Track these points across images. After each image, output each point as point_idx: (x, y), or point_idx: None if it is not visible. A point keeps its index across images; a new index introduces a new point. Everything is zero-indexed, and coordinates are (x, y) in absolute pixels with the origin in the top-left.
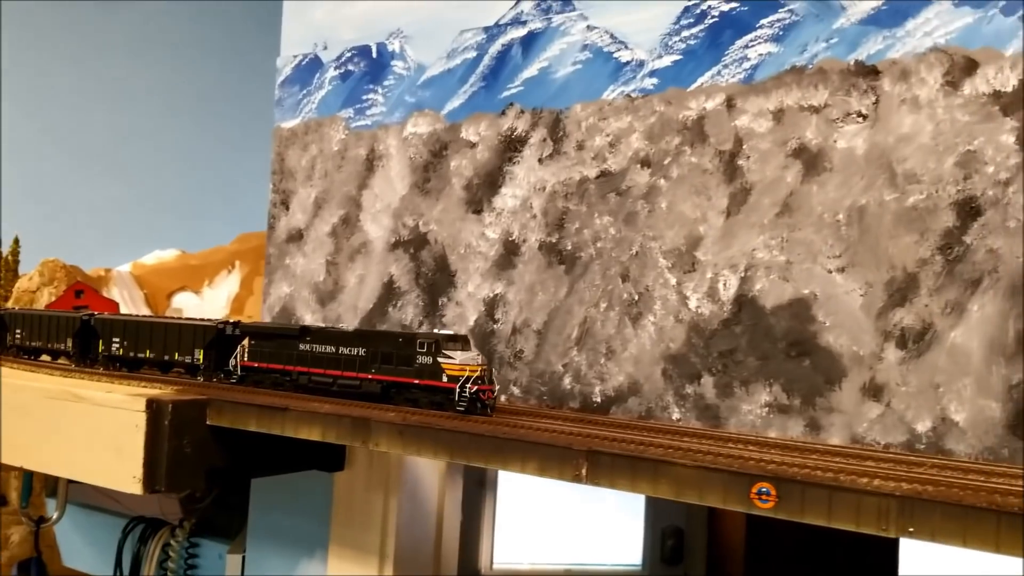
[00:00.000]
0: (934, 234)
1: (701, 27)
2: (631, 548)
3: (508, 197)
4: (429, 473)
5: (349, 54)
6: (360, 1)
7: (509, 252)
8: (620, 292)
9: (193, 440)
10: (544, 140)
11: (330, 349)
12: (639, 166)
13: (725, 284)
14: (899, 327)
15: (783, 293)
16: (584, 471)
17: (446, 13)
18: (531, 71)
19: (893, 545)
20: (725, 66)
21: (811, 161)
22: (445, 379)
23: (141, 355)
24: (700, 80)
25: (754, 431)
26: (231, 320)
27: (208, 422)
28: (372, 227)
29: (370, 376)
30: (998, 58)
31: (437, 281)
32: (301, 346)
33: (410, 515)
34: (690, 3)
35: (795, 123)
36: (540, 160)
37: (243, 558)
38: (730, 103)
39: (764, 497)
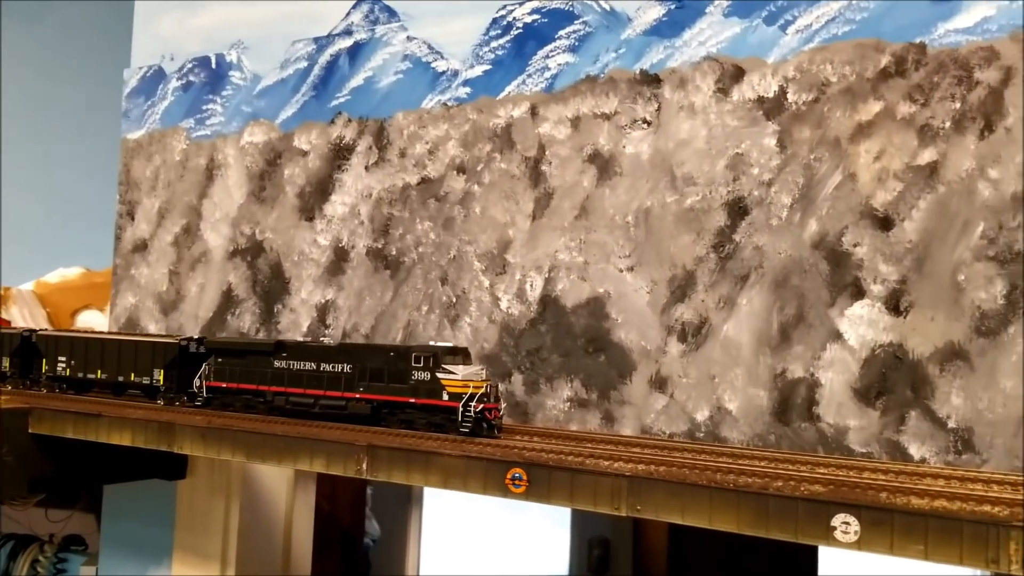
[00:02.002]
0: (709, 233)
1: (507, 38)
2: (558, 559)
3: (338, 204)
4: (276, 480)
5: (190, 65)
6: (205, 13)
7: (339, 258)
8: (440, 295)
9: (15, 448)
10: (370, 148)
11: (310, 366)
12: (455, 172)
13: (532, 285)
14: (680, 322)
15: (581, 292)
16: (365, 465)
17: (283, 24)
18: (357, 80)
19: (813, 551)
20: (529, 75)
21: (604, 166)
22: (446, 397)
23: (91, 376)
24: (507, 89)
25: (558, 424)
26: (195, 336)
27: (31, 430)
28: (212, 236)
29: (358, 396)
30: (761, 66)
31: (273, 288)
32: (276, 363)
33: (253, 521)
34: (497, 15)
35: (590, 130)
36: (367, 168)
37: (96, 568)
38: (534, 111)
39: (517, 482)
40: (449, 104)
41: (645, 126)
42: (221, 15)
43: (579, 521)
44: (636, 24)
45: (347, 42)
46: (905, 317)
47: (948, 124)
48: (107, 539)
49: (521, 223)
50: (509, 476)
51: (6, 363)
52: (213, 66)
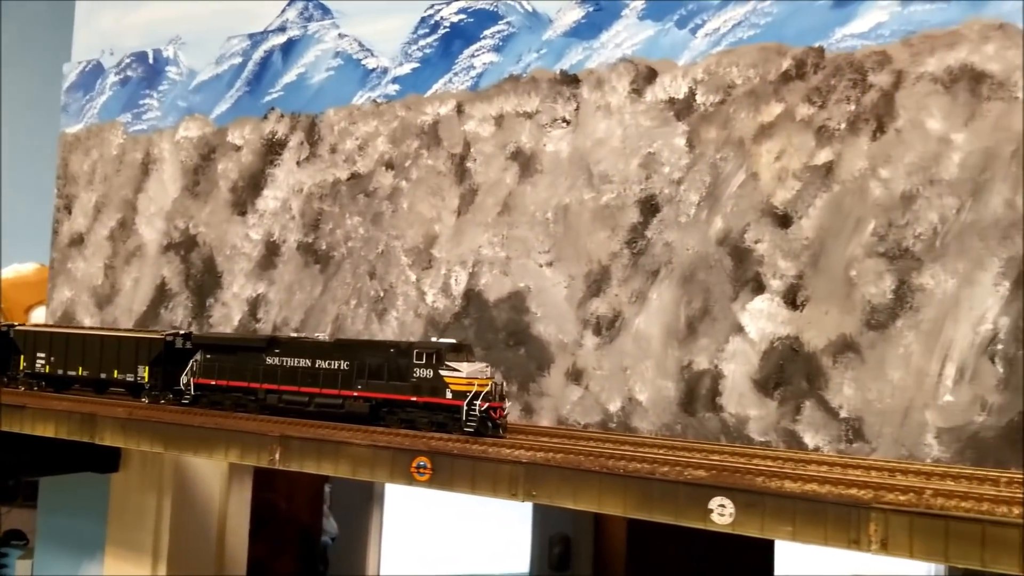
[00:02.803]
0: (623, 229)
1: (435, 37)
2: (519, 556)
3: (270, 199)
4: (209, 475)
5: (128, 60)
6: (145, 9)
7: (271, 253)
8: (368, 289)
9: None
10: (302, 143)
11: (304, 363)
12: (384, 168)
13: (456, 279)
14: (595, 315)
15: (503, 287)
16: (278, 455)
17: (219, 20)
18: (290, 76)
19: (769, 546)
20: (455, 74)
21: (526, 163)
22: (449, 395)
23: (72, 373)
24: (435, 87)
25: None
26: (181, 331)
27: None
28: (147, 230)
29: (355, 393)
30: (673, 68)
31: (205, 282)
32: (268, 359)
33: (186, 516)
34: (425, 14)
35: (512, 128)
36: (298, 163)
37: (32, 563)
38: (460, 109)
39: (422, 470)
40: (379, 101)
41: (565, 125)
42: (160, 11)
43: (540, 519)
44: (557, 25)
45: (281, 39)
46: (801, 311)
47: (843, 125)
48: (43, 533)
49: (447, 219)
50: (414, 464)
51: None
52: (150, 61)
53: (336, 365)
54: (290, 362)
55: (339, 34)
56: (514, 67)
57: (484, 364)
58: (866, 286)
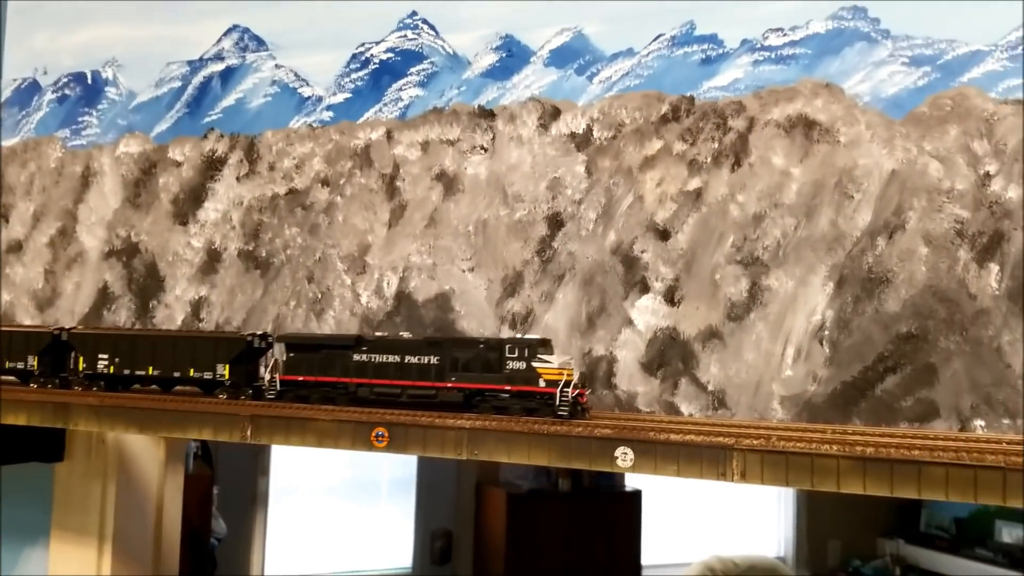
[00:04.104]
0: (533, 241)
1: (366, 71)
2: (402, 551)
3: (211, 211)
4: (148, 462)
5: (66, 79)
6: (79, 31)
7: (212, 259)
8: (306, 292)
9: None
10: (241, 161)
11: (394, 358)
12: (320, 185)
13: (388, 283)
14: (511, 313)
15: (431, 289)
16: (249, 432)
17: (155, 46)
18: (229, 100)
19: (636, 543)
20: (385, 104)
21: (449, 184)
22: (542, 384)
23: (140, 372)
24: (366, 115)
25: None
26: (259, 333)
27: None
28: (87, 238)
29: (450, 384)
30: (573, 108)
31: (148, 286)
32: (356, 356)
33: (128, 501)
34: (356, 51)
35: (437, 153)
36: (238, 178)
37: None
38: (389, 135)
39: (380, 438)
40: (314, 125)
41: (482, 152)
42: (94, 33)
43: (423, 515)
44: (475, 67)
45: (219, 66)
46: (678, 307)
47: (709, 159)
48: None
49: (379, 230)
50: (373, 434)
51: (34, 362)
52: (89, 81)
53: (427, 360)
54: (379, 358)
55: (276, 64)
56: (437, 101)
57: (569, 357)
58: (727, 287)
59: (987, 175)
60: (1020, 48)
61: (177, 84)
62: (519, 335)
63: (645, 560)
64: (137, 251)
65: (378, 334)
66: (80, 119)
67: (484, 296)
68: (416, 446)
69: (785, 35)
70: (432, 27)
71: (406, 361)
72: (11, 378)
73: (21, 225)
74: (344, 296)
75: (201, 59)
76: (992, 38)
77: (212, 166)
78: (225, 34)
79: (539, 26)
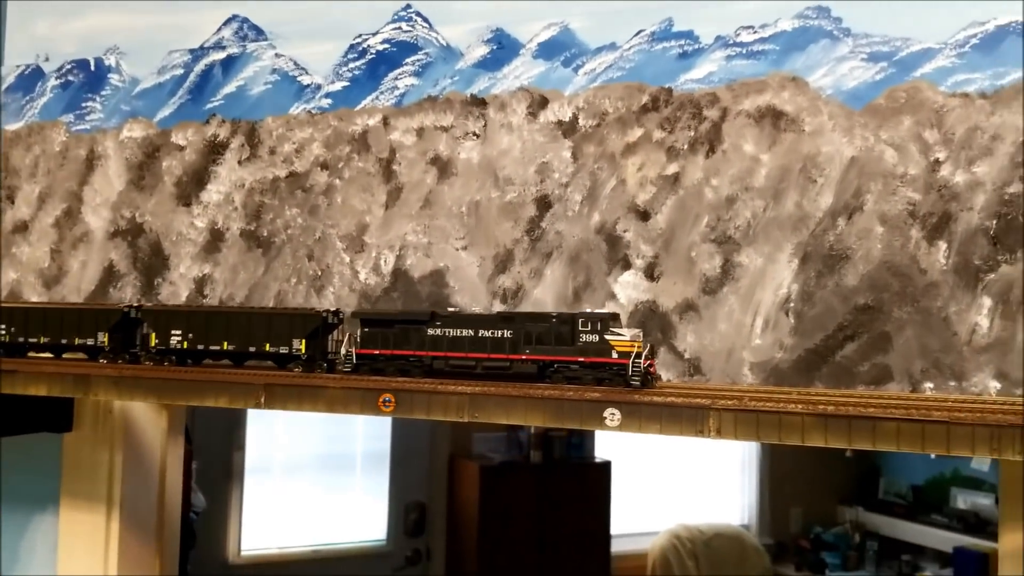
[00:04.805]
0: (523, 221)
1: (363, 61)
2: (376, 525)
3: (213, 192)
4: (152, 431)
5: (69, 66)
6: (80, 19)
7: (215, 239)
8: (307, 269)
9: None
10: (242, 145)
11: (468, 332)
12: (319, 168)
13: (385, 261)
14: (502, 288)
15: (426, 266)
16: (263, 399)
17: (157, 34)
18: (230, 88)
19: (606, 519)
20: (381, 92)
21: (443, 168)
22: (615, 355)
23: (215, 347)
24: (363, 102)
25: None
26: (332, 309)
27: None
28: (93, 219)
29: (524, 357)
30: (560, 97)
31: (153, 264)
32: (430, 331)
33: (135, 468)
34: (354, 42)
35: (431, 139)
36: (239, 162)
37: None
38: (386, 122)
39: (387, 403)
40: (313, 112)
41: (475, 138)
42: (95, 22)
43: (396, 488)
44: (467, 58)
45: (220, 55)
46: (657, 282)
47: (686, 146)
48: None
49: (376, 211)
50: (381, 400)
51: (104, 339)
52: (92, 68)
53: (501, 334)
54: (452, 332)
55: (276, 54)
56: (432, 89)
57: (637, 330)
58: (702, 264)
59: (937, 162)
60: (967, 46)
61: (179, 71)
62: (589, 309)
63: (614, 529)
64: (142, 231)
65: (451, 309)
66: (84, 104)
67: (477, 272)
68: (421, 410)
69: (755, 32)
70: (426, 20)
71: (480, 335)
72: (80, 354)
73: (27, 206)
74: (343, 273)
75: (202, 47)
76: (942, 36)
77: (214, 150)
78: (225, 23)
79: (528, 20)
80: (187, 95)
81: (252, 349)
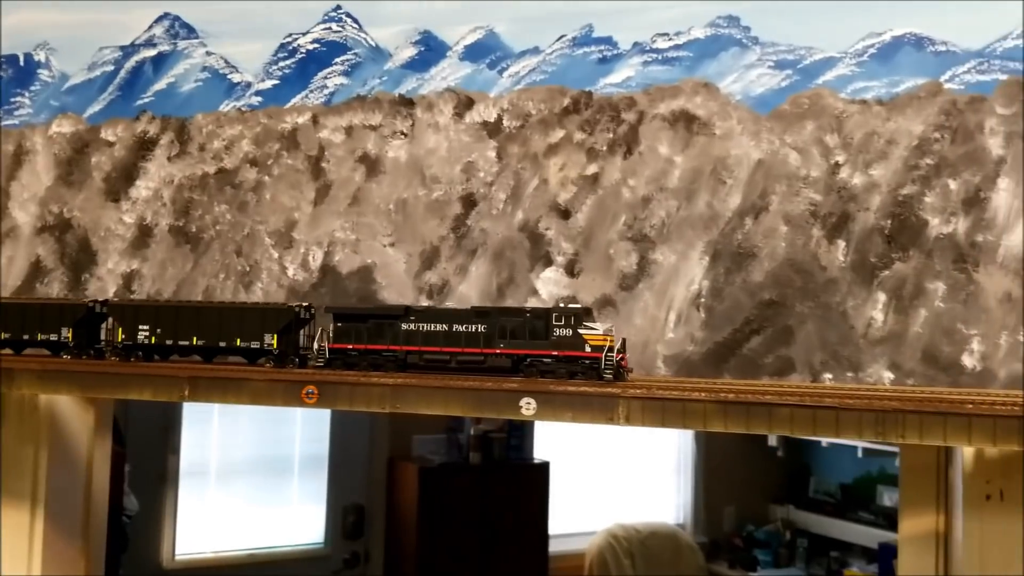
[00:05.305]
0: (449, 219)
1: (293, 60)
2: (314, 528)
3: (142, 188)
4: (78, 428)
5: None
6: (9, 14)
7: (143, 234)
8: (235, 265)
9: None
10: (172, 142)
11: (442, 327)
12: (248, 165)
13: (314, 257)
14: (428, 284)
15: (354, 262)
16: (187, 391)
17: (88, 31)
18: (161, 85)
19: (543, 511)
20: (311, 91)
21: (372, 166)
22: (588, 349)
23: (184, 343)
24: (293, 100)
25: None
26: (304, 304)
27: None
28: (20, 214)
29: (498, 351)
30: (486, 98)
31: (81, 260)
32: (404, 326)
33: (60, 465)
34: (284, 40)
35: (360, 137)
36: (169, 158)
37: None
38: (315, 120)
39: (310, 395)
40: (243, 109)
41: (403, 137)
42: (25, 17)
43: (335, 490)
44: (396, 59)
45: (151, 52)
46: (577, 278)
47: (605, 148)
48: None
49: (305, 208)
50: (304, 391)
51: (68, 334)
52: (21, 63)
53: (475, 328)
54: (427, 327)
55: (206, 52)
56: (361, 89)
57: (610, 324)
58: (620, 261)
59: (837, 164)
60: (866, 55)
61: (110, 68)
62: (562, 304)
63: (553, 529)
64: (70, 226)
65: (425, 304)
66: (12, 100)
67: (404, 269)
68: (343, 401)
69: (670, 39)
70: (356, 21)
71: (454, 329)
72: (43, 351)
73: None
74: (271, 269)
75: (133, 44)
76: (843, 46)
77: (144, 146)
78: (156, 21)
79: (455, 24)
80: (117, 91)
81: (223, 344)
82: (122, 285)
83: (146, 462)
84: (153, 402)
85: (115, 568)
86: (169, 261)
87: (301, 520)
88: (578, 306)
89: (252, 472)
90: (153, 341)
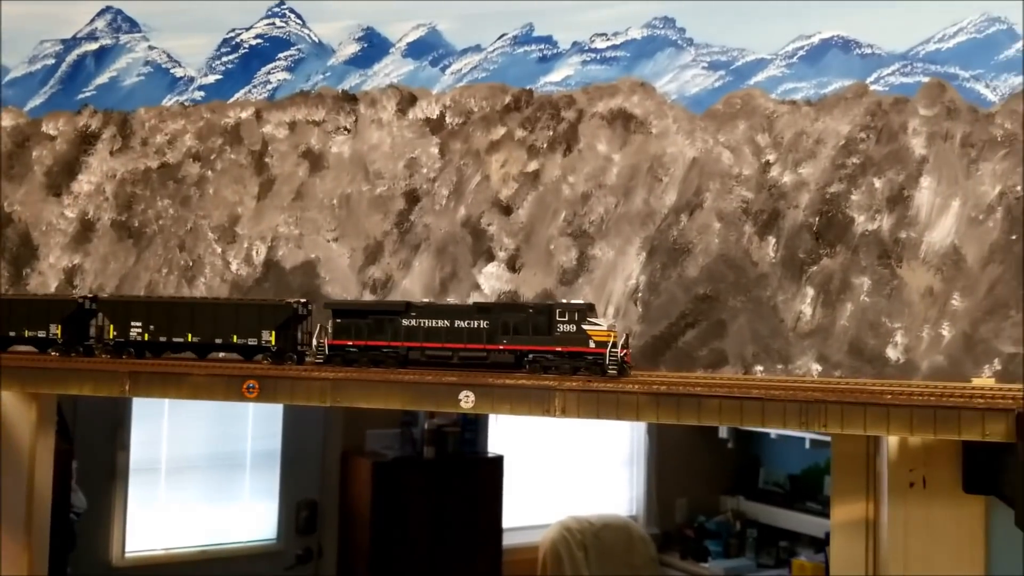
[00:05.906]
0: (393, 214)
1: (236, 55)
2: (266, 523)
3: (84, 183)
4: (20, 423)
5: None
6: None
7: (85, 229)
8: (178, 260)
9: None
10: (114, 136)
11: (443, 323)
12: (191, 160)
13: (257, 252)
14: (372, 279)
15: (297, 257)
16: (128, 386)
17: (28, 23)
18: (103, 79)
19: (498, 504)
20: (254, 86)
21: (315, 161)
22: (592, 345)
23: (178, 339)
24: (236, 95)
25: None
26: (302, 300)
27: None
28: None
29: (501, 347)
30: (429, 95)
31: (21, 254)
32: (405, 322)
33: (2, 461)
34: (227, 35)
35: (304, 133)
36: (111, 152)
37: None
38: (258, 115)
39: (251, 389)
40: (186, 104)
41: (346, 132)
42: None
43: (287, 486)
44: (339, 55)
45: (93, 45)
46: (519, 273)
47: (545, 145)
48: None
49: (248, 203)
50: (245, 386)
51: (57, 331)
52: None
53: (477, 324)
54: (428, 323)
55: (149, 46)
56: (304, 84)
57: (612, 320)
58: (560, 256)
59: (767, 163)
60: (795, 57)
61: (51, 61)
62: (565, 300)
63: (506, 523)
64: (10, 221)
65: (426, 300)
66: None
67: (347, 264)
68: (284, 395)
69: (608, 39)
70: (299, 16)
71: (456, 325)
72: (29, 348)
73: None
74: (215, 264)
75: (75, 38)
76: (773, 48)
77: (86, 140)
78: (98, 15)
79: (398, 20)
80: (59, 85)
81: (218, 341)
82: (64, 280)
83: (95, 458)
84: (102, 398)
85: (62, 566)
86: (111, 256)
87: (253, 516)
88: (581, 302)
89: (203, 468)
90: (146, 338)
